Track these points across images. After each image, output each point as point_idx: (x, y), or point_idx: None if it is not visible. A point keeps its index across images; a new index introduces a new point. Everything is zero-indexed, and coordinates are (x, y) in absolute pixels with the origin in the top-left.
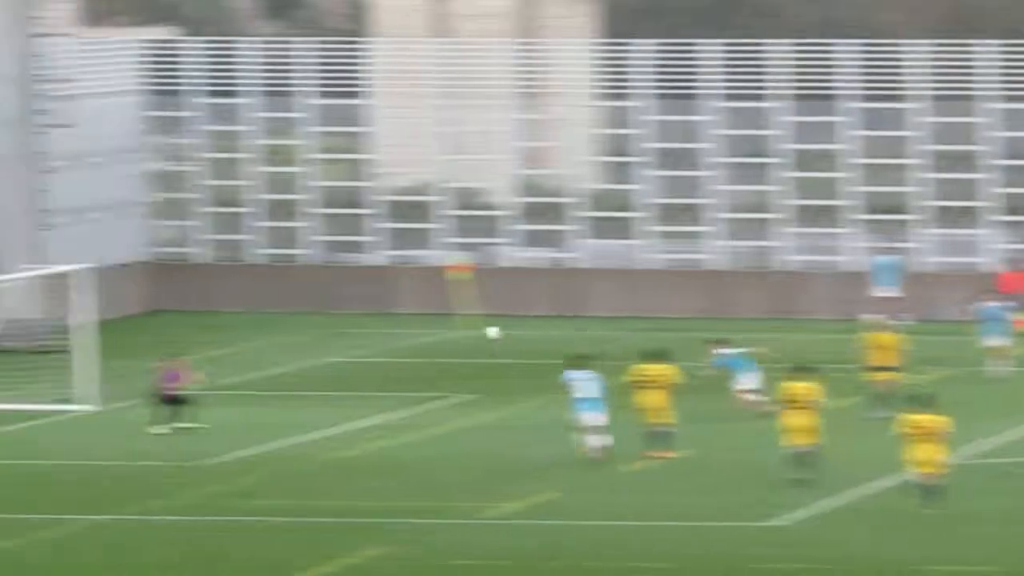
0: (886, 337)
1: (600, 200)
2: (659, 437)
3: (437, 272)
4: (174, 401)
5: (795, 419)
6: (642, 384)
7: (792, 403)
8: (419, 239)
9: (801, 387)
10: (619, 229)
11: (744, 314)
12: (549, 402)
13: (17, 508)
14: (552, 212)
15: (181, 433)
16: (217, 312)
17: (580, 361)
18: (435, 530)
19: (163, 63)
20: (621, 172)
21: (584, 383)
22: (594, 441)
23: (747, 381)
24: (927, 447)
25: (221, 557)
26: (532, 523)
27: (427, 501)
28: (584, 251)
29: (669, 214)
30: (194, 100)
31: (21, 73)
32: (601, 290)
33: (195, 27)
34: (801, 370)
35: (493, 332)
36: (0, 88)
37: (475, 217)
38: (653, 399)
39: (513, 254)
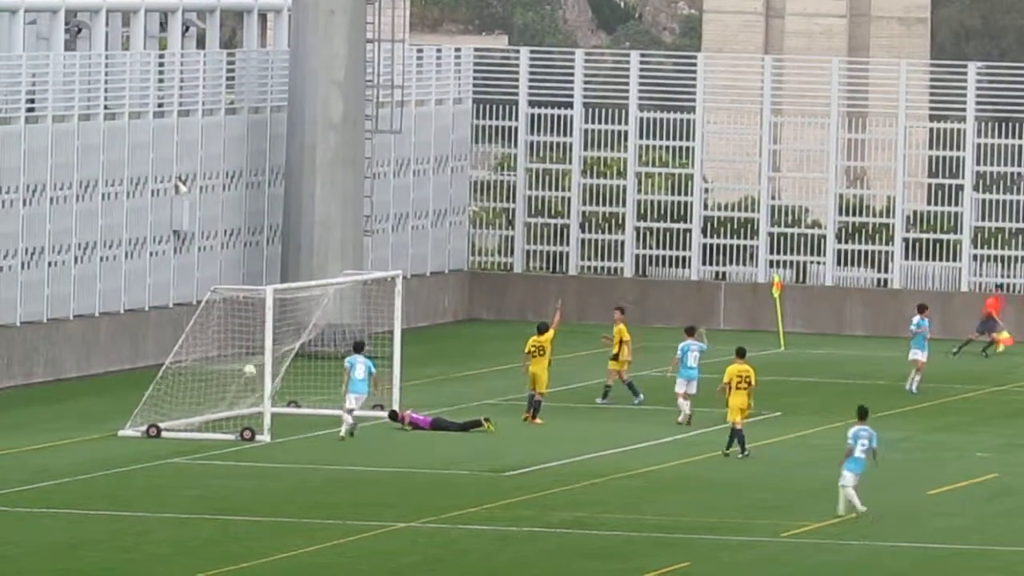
0: None
1: (922, 221)
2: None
3: (755, 289)
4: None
5: None
6: None
7: None
8: (740, 255)
9: None
10: (940, 251)
11: None
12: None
13: (327, 513)
14: (873, 232)
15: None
16: (532, 323)
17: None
18: (736, 547)
19: (493, 72)
20: (945, 194)
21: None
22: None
23: None
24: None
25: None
26: (834, 543)
27: (728, 518)
28: (903, 272)
29: (992, 237)
30: (522, 110)
31: (351, 78)
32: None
33: (526, 37)
34: None
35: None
36: (330, 92)
37: (796, 235)
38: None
39: (832, 273)
